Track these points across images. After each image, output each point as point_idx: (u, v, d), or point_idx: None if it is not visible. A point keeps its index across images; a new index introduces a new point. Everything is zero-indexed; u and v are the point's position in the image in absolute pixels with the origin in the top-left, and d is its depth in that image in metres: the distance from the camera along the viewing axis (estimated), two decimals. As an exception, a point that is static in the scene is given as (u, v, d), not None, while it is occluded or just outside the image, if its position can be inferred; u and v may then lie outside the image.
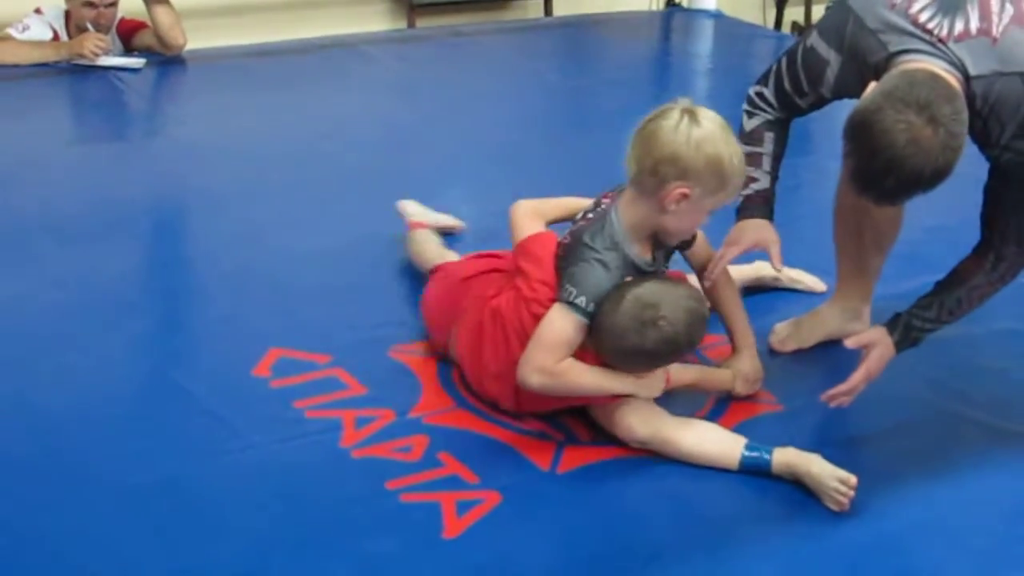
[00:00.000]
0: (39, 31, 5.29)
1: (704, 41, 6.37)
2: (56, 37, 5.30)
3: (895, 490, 2.72)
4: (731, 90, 5.54)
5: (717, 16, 6.55)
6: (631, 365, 2.77)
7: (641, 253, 2.77)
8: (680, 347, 2.75)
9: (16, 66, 5.14)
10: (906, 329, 2.81)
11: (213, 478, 2.68)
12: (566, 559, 2.53)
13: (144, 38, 5.42)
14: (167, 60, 5.36)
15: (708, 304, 2.84)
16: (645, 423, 2.81)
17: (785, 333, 3.26)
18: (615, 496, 2.69)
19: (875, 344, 2.82)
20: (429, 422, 2.89)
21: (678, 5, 6.79)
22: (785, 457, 2.73)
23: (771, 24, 7.38)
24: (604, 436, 2.85)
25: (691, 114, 2.66)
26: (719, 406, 2.98)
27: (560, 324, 2.73)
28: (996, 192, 2.69)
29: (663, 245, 2.84)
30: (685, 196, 2.67)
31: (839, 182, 3.11)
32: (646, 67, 6.00)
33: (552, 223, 2.99)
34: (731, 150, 2.67)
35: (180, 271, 3.62)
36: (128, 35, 5.43)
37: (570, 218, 2.93)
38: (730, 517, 2.67)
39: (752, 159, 2.92)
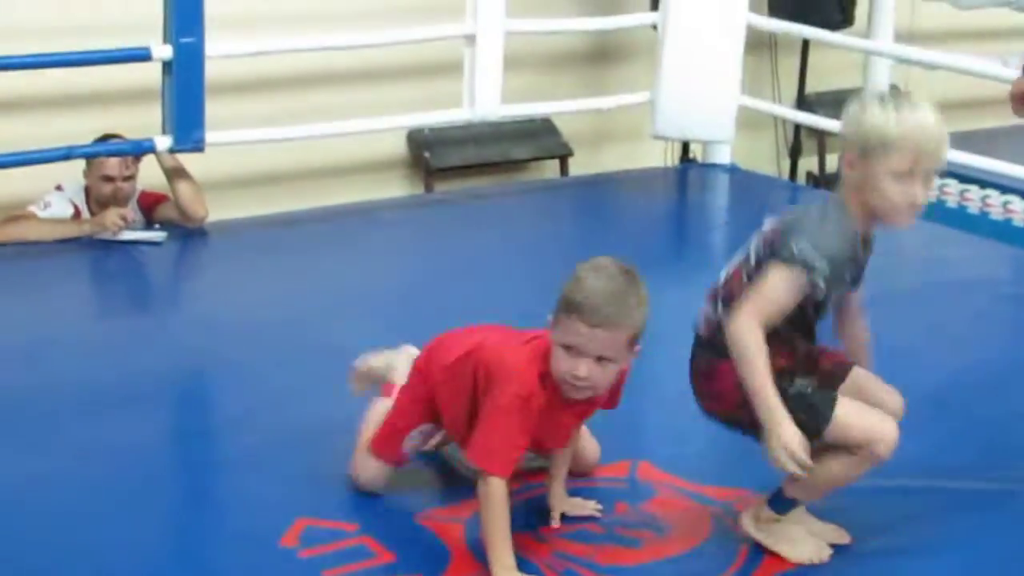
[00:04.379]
0: (60, 208, 5.33)
1: (720, 194, 6.42)
2: (77, 213, 5.35)
3: None
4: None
5: (732, 169, 6.61)
6: None
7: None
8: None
9: (39, 242, 5.18)
10: None
11: (242, 654, 2.63)
12: None
13: (165, 210, 5.46)
14: (188, 232, 5.39)
15: None
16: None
17: None
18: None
19: None
20: (459, 589, 2.85)
21: (692, 160, 6.85)
22: None
23: (786, 175, 7.44)
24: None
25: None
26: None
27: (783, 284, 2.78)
28: None
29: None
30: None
31: None
32: (664, 222, 6.04)
33: None
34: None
35: (203, 443, 3.60)
36: (150, 208, 5.48)
37: None
38: None
39: None
